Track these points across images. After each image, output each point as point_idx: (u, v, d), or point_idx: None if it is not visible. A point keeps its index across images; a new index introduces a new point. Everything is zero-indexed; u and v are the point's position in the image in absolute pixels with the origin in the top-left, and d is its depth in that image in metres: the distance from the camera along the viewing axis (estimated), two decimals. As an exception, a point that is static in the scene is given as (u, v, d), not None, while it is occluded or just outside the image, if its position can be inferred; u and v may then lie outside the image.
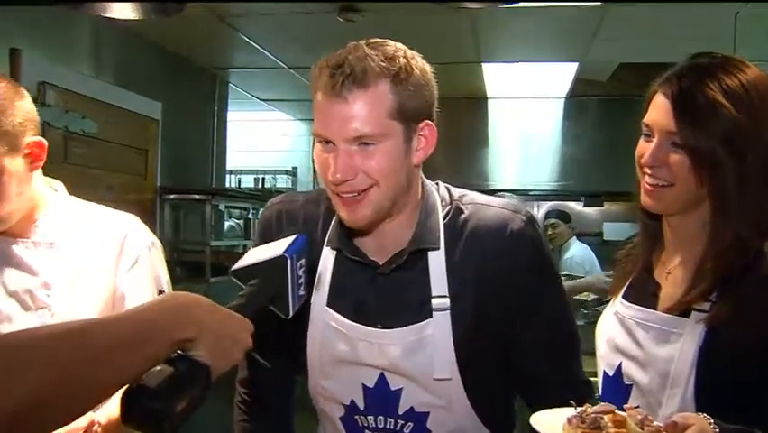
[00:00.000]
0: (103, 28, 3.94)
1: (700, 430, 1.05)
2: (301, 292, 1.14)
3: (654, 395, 1.29)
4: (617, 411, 1.08)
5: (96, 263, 1.54)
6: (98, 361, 0.85)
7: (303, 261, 1.15)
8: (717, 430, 1.06)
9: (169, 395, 0.89)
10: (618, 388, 1.36)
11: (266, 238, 1.30)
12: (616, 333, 1.39)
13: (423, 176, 1.39)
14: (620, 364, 1.36)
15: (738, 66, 1.28)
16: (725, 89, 1.25)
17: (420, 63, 1.28)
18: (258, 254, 1.14)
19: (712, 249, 1.27)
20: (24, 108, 1.46)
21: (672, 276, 1.36)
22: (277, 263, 1.11)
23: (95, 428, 1.40)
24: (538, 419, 1.13)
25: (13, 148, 1.43)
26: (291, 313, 1.13)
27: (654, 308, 1.34)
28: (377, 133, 1.22)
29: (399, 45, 1.28)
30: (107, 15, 1.75)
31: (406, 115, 1.24)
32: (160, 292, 1.55)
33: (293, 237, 1.15)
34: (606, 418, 1.07)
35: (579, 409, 1.10)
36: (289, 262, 1.11)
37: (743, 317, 1.21)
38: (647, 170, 1.30)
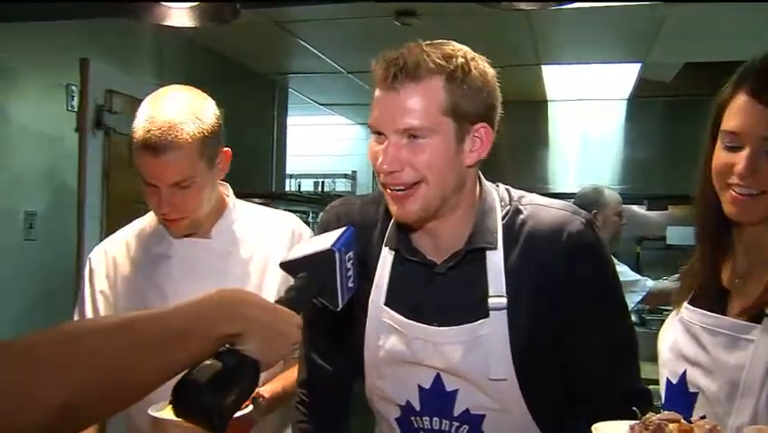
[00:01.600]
0: (165, 37, 4.04)
1: None
2: (350, 285, 1.14)
3: (722, 404, 1.24)
4: (683, 421, 1.03)
5: (272, 259, 1.68)
6: (145, 353, 0.87)
7: (351, 253, 1.15)
8: None
9: (218, 390, 0.91)
10: (683, 396, 1.31)
11: None
12: (680, 339, 1.35)
13: (482, 177, 1.38)
14: (684, 372, 1.32)
15: None
16: None
17: (481, 66, 1.28)
18: (307, 247, 1.15)
19: None
20: (216, 118, 1.62)
21: (741, 283, 1.31)
22: (325, 256, 1.11)
23: (260, 400, 1.50)
24: (599, 428, 1.09)
25: (208, 159, 1.59)
26: (341, 305, 1.13)
27: (723, 315, 1.29)
28: (426, 127, 1.23)
29: (463, 47, 1.29)
30: (164, 23, 1.81)
31: (460, 114, 1.25)
32: None
33: (341, 230, 1.16)
34: (671, 426, 1.02)
35: (641, 417, 1.06)
36: (337, 254, 1.11)
37: None
38: (738, 180, 1.23)
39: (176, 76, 4.28)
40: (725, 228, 1.33)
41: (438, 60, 1.23)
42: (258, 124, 5.62)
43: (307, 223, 6.66)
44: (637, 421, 1.06)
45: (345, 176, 7.42)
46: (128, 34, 3.79)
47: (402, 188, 1.27)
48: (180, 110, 1.57)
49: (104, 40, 3.57)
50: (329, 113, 7.05)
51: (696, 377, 1.30)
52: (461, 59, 1.25)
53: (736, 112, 1.24)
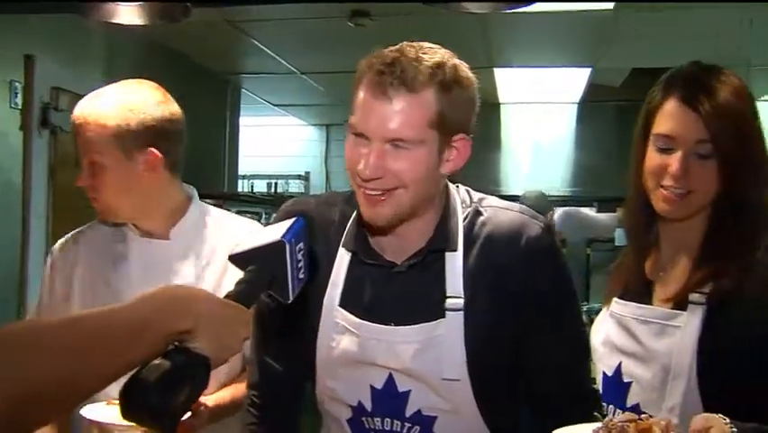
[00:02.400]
0: (116, 34, 3.96)
1: (720, 432, 1.08)
2: (301, 276, 1.12)
3: (656, 390, 1.32)
4: (639, 420, 1.08)
5: (231, 264, 1.64)
6: (91, 352, 0.86)
7: (302, 244, 1.12)
8: (735, 430, 1.09)
9: (168, 389, 0.89)
10: (618, 387, 1.39)
11: None
12: (613, 333, 1.43)
13: (447, 180, 1.39)
14: (620, 364, 1.40)
15: (725, 71, 1.34)
16: (732, 90, 1.31)
17: (465, 74, 1.29)
18: (256, 239, 1.12)
19: (715, 244, 1.33)
20: (146, 117, 1.61)
21: (666, 275, 1.40)
22: (275, 248, 1.09)
23: (201, 408, 1.47)
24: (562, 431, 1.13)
25: (125, 151, 1.58)
26: (291, 298, 1.11)
27: (650, 305, 1.38)
28: (414, 138, 1.23)
29: (444, 50, 1.28)
30: (113, 21, 1.78)
31: (445, 126, 1.25)
32: None
33: (291, 221, 1.14)
34: (631, 426, 1.07)
35: (603, 421, 1.10)
36: (288, 246, 1.09)
37: (740, 300, 1.27)
38: (671, 181, 1.32)
39: (126, 74, 4.18)
40: (650, 225, 1.43)
41: (430, 70, 1.23)
42: (210, 125, 5.55)
43: (261, 224, 6.57)
44: (600, 425, 1.09)
45: (299, 177, 7.39)
46: (76, 31, 3.70)
47: (379, 192, 1.26)
48: (115, 95, 1.61)
49: (50, 36, 3.49)
50: (282, 113, 7.02)
51: (630, 367, 1.38)
52: (450, 69, 1.25)
53: (668, 117, 1.33)
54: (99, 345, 0.87)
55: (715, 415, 1.11)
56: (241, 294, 1.03)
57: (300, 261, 1.12)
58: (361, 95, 1.25)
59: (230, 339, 0.98)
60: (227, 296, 1.03)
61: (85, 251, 1.73)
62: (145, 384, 0.88)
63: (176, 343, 0.93)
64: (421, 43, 1.28)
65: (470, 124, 1.32)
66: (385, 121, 1.22)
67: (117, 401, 0.90)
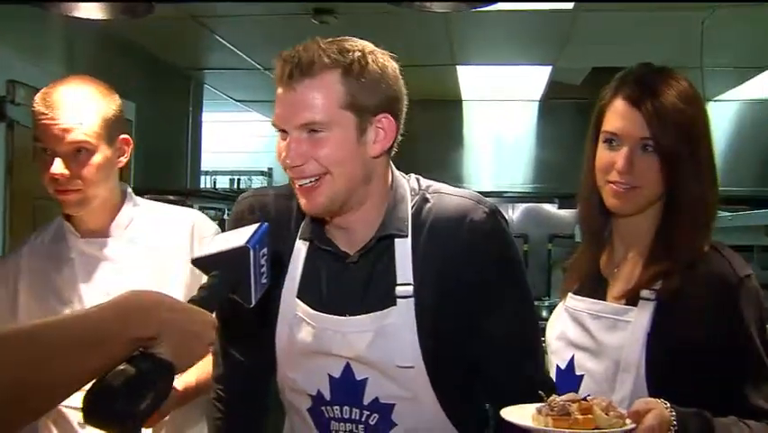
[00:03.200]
0: (75, 26, 3.89)
1: (659, 414, 1.16)
2: (263, 281, 1.14)
3: (607, 382, 1.37)
4: (582, 400, 1.14)
5: (173, 255, 1.68)
6: (52, 361, 0.85)
7: (266, 249, 1.14)
8: (674, 413, 1.17)
9: (131, 395, 0.90)
10: (570, 379, 1.43)
11: None
12: (568, 327, 1.47)
13: (393, 167, 1.41)
14: (572, 357, 1.44)
15: (674, 73, 1.41)
16: (678, 93, 1.36)
17: (380, 59, 1.31)
18: (220, 244, 1.13)
19: (663, 242, 1.38)
20: (119, 105, 1.65)
21: (618, 272, 1.45)
22: (239, 253, 1.10)
23: (165, 418, 1.53)
24: (509, 411, 1.18)
25: (109, 137, 1.62)
26: (254, 302, 1.13)
27: (603, 300, 1.43)
28: (324, 121, 1.26)
29: (363, 42, 1.31)
30: (74, 15, 1.77)
31: (359, 107, 1.28)
32: None
33: (255, 226, 1.15)
34: (574, 405, 1.13)
35: (546, 400, 1.16)
36: (252, 252, 1.10)
37: (684, 299, 1.32)
38: (617, 177, 1.37)
39: (86, 67, 4.14)
40: (604, 222, 1.48)
41: (333, 55, 1.26)
42: (172, 120, 5.49)
43: (222, 220, 6.53)
44: (543, 404, 1.14)
45: (261, 173, 7.34)
46: (34, 22, 3.63)
47: (307, 181, 1.29)
48: (87, 83, 1.64)
49: (6, 27, 3.41)
50: (245, 109, 6.96)
51: (583, 361, 1.42)
52: (357, 53, 1.27)
53: (616, 115, 1.39)
54: (59, 356, 0.86)
55: (656, 399, 1.18)
56: (204, 299, 1.04)
57: (263, 266, 1.13)
58: (276, 92, 1.30)
59: (195, 345, 0.99)
60: (191, 301, 1.03)
61: (27, 261, 1.72)
62: (109, 390, 0.89)
63: (141, 349, 0.93)
64: (340, 38, 1.31)
65: (394, 105, 1.33)
66: (293, 109, 1.26)
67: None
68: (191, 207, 5.37)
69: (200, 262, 1.12)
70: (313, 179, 1.28)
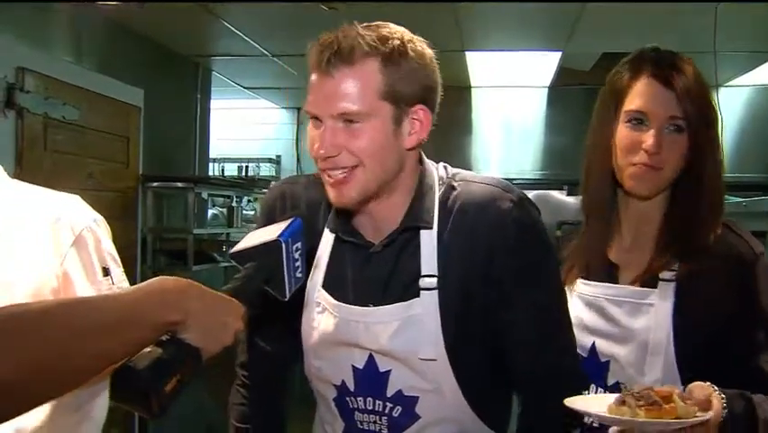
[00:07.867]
0: (84, 14, 3.90)
1: (718, 401, 1.13)
2: (298, 275, 1.17)
3: (635, 366, 1.36)
4: (655, 388, 1.12)
5: (23, 249, 1.38)
6: (84, 339, 0.88)
7: (299, 243, 1.17)
8: (723, 396, 1.14)
9: (156, 376, 0.93)
10: (596, 367, 1.41)
11: (270, 219, 1.31)
12: (583, 314, 1.44)
13: (424, 157, 1.38)
14: (593, 344, 1.42)
15: (684, 57, 1.39)
16: (696, 73, 1.35)
17: (419, 47, 1.27)
18: (255, 238, 1.17)
19: (680, 222, 1.37)
20: None
21: (628, 256, 1.43)
22: (272, 247, 1.14)
23: None
24: (573, 400, 1.16)
25: None
26: (288, 295, 1.17)
27: (617, 285, 1.41)
28: (362, 111, 1.22)
29: (401, 29, 1.27)
30: (82, 1, 1.74)
31: (397, 97, 1.24)
32: (105, 270, 1.43)
33: (289, 221, 1.18)
34: (653, 393, 1.11)
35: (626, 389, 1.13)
36: (284, 246, 1.14)
37: (705, 278, 1.32)
38: (644, 157, 1.35)
39: (95, 55, 4.15)
40: (613, 206, 1.46)
41: (373, 43, 1.21)
42: (180, 107, 5.50)
43: (231, 207, 6.49)
44: (625, 394, 1.12)
45: (270, 160, 7.35)
46: (43, 10, 3.63)
47: (339, 173, 1.25)
48: None
49: (15, 15, 3.42)
50: (254, 96, 6.95)
51: (606, 347, 1.41)
52: (397, 41, 1.23)
53: (641, 94, 1.36)
54: (85, 336, 0.88)
55: (705, 384, 1.16)
56: (235, 289, 1.08)
57: (297, 260, 1.17)
58: (310, 79, 1.26)
59: (221, 332, 1.01)
60: (223, 289, 1.06)
61: None
62: (133, 370, 0.93)
63: (169, 334, 0.96)
64: (376, 23, 1.27)
65: (430, 95, 1.30)
66: (330, 99, 1.22)
67: None
68: (199, 194, 5.30)
69: (237, 256, 1.16)
70: (345, 171, 1.25)
